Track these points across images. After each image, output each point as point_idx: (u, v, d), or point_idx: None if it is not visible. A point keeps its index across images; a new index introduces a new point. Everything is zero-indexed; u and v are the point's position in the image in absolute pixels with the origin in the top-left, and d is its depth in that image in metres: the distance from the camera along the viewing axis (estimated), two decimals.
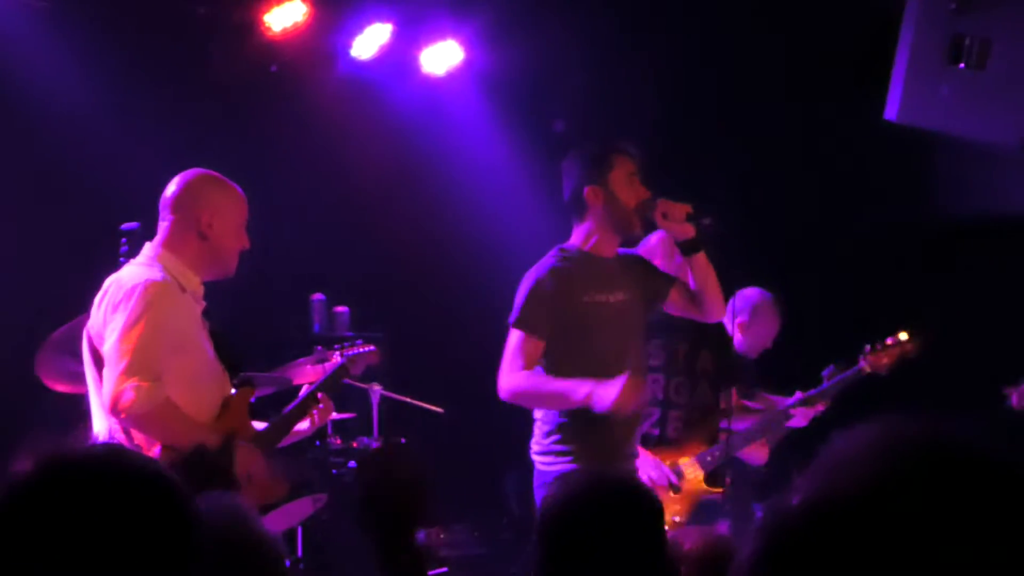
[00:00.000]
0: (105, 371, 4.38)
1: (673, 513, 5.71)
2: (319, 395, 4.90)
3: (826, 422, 6.75)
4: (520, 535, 7.63)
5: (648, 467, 5.71)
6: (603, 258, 5.33)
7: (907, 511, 1.22)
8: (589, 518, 2.87)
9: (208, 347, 4.64)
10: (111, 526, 1.71)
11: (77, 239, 6.82)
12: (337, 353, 5.10)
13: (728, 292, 5.81)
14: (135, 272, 4.52)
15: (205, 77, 7.84)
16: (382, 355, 5.28)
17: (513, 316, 5.23)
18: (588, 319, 5.20)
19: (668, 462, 5.85)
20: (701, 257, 5.33)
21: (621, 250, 5.44)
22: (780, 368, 7.01)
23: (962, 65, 5.08)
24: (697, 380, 6.12)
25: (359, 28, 8.17)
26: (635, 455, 5.33)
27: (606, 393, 4.97)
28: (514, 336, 5.22)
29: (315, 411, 4.90)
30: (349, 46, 8.22)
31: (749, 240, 7.92)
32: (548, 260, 5.32)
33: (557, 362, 5.21)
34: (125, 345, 4.33)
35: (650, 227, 5.38)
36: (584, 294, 5.22)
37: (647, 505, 2.96)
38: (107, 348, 4.38)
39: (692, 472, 5.92)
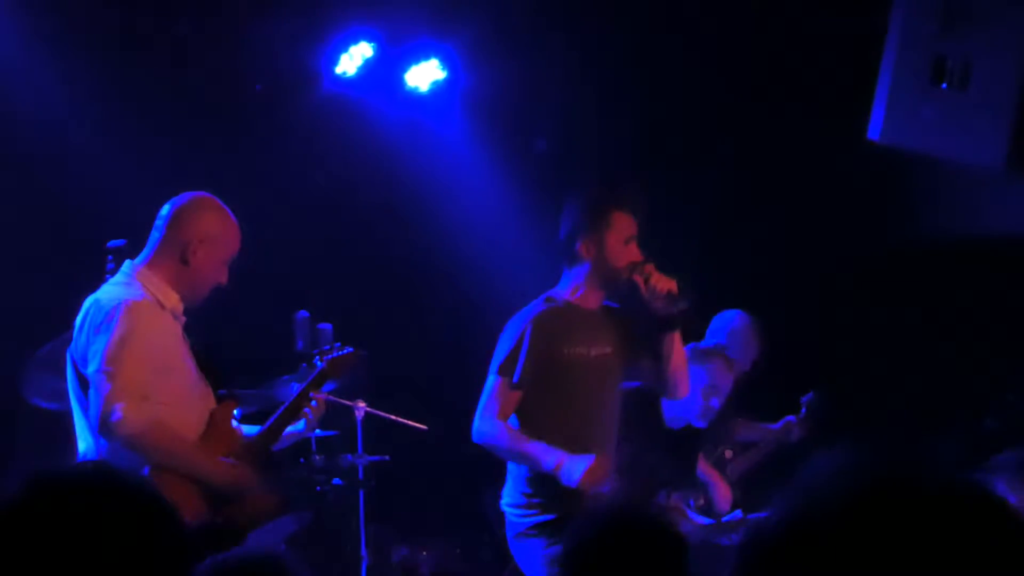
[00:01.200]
0: (91, 393, 4.36)
1: None
2: (311, 393, 4.89)
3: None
4: (501, 553, 7.62)
5: None
6: (588, 310, 5.33)
7: (868, 528, 1.33)
8: (616, 554, 2.88)
9: (191, 363, 4.63)
10: (102, 545, 1.70)
11: (62, 256, 6.80)
12: (317, 359, 5.10)
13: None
14: (114, 292, 4.51)
15: (189, 95, 7.83)
16: (362, 360, 5.27)
17: (494, 363, 5.25)
18: (568, 372, 5.22)
19: None
20: (674, 337, 5.34)
21: (607, 302, 5.44)
22: (762, 392, 7.04)
23: (944, 86, 5.10)
24: (641, 478, 6.06)
25: (344, 47, 8.20)
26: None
27: (574, 468, 5.01)
28: (493, 382, 5.23)
29: (309, 411, 4.88)
30: (334, 65, 8.24)
31: (731, 261, 7.96)
32: (534, 308, 5.33)
33: (534, 412, 5.22)
34: (110, 367, 4.32)
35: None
36: (565, 346, 5.23)
37: (672, 543, 2.96)
38: (91, 371, 4.37)
39: None
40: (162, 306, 4.54)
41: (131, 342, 4.35)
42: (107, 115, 7.35)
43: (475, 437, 5.25)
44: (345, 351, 5.13)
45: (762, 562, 1.37)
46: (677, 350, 5.38)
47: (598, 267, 5.28)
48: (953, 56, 5.17)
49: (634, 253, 5.26)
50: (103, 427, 4.29)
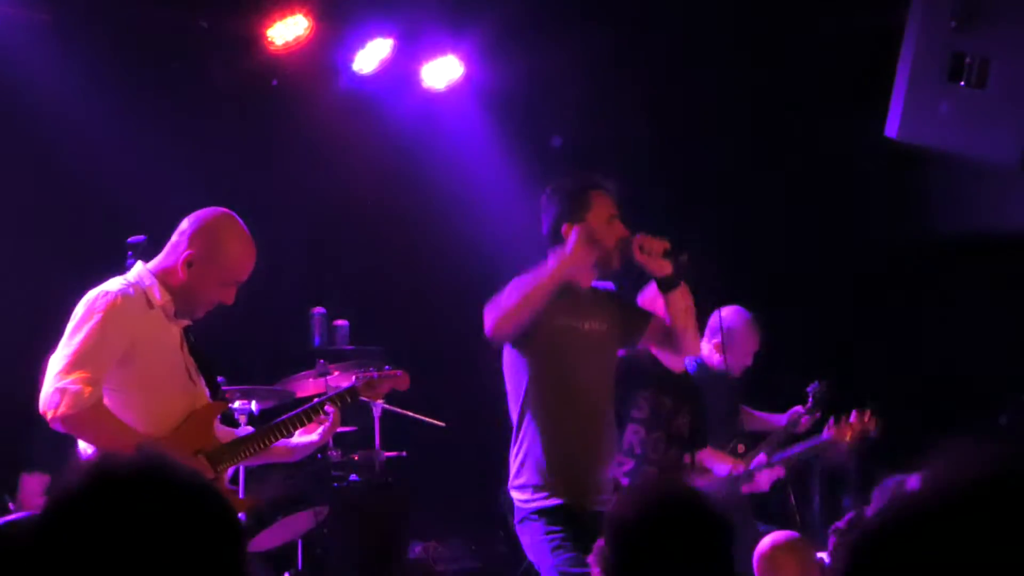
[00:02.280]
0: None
1: None
2: (327, 407, 4.86)
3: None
4: (516, 550, 7.65)
5: None
6: (581, 288, 5.38)
7: (967, 526, 1.34)
8: (660, 530, 2.90)
9: (175, 360, 4.57)
10: (160, 536, 1.71)
11: (84, 251, 6.83)
12: (359, 376, 5.06)
13: (705, 312, 5.84)
14: (101, 286, 4.52)
15: (207, 90, 7.86)
16: (403, 380, 5.22)
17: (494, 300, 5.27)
18: (562, 341, 5.23)
19: None
20: (678, 293, 5.37)
21: (596, 284, 5.48)
22: (773, 384, 7.05)
23: (962, 83, 5.10)
24: (672, 438, 6.13)
25: (360, 43, 8.22)
26: (607, 490, 5.32)
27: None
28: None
29: (323, 423, 4.86)
30: (350, 60, 8.27)
31: (746, 256, 7.96)
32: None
33: (535, 382, 5.22)
34: (64, 351, 4.33)
35: (628, 264, 5.38)
36: (557, 316, 5.25)
37: (716, 522, 2.97)
38: (52, 356, 4.39)
39: None
40: (150, 304, 4.52)
41: (91, 329, 4.35)
42: (125, 109, 7.37)
43: (489, 327, 5.20)
44: (395, 373, 5.12)
45: (868, 556, 1.39)
46: (684, 308, 5.41)
47: (588, 248, 5.33)
48: (971, 53, 5.17)
49: (619, 229, 5.32)
50: (43, 406, 4.29)
